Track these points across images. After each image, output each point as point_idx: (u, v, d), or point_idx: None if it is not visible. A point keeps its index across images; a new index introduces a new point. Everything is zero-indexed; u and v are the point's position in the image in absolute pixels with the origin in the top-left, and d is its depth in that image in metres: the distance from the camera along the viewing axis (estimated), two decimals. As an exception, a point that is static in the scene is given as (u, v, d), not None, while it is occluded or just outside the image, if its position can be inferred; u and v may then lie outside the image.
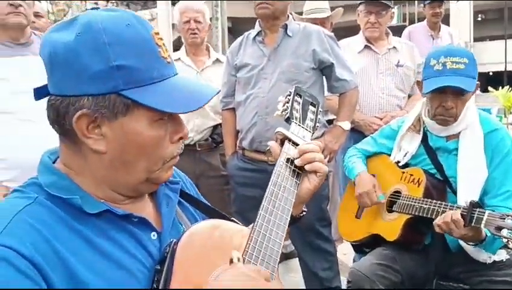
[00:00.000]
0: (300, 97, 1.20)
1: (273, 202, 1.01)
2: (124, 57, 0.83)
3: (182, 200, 1.07)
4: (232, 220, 1.03)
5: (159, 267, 0.89)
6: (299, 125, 1.15)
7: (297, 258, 2.79)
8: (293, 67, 2.50)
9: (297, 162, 1.06)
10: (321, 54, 2.51)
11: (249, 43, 2.64)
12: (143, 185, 0.93)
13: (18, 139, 2.01)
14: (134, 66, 0.84)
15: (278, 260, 0.93)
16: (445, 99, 1.93)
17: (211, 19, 3.66)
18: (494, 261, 1.94)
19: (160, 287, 0.86)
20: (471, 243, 1.86)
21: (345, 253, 3.51)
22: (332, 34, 2.66)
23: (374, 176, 2.22)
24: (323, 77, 2.61)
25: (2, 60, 2.07)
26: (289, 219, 1.00)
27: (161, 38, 0.90)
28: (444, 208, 1.87)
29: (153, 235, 0.93)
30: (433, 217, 1.87)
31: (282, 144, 1.12)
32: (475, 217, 1.73)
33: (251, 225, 1.02)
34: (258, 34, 2.61)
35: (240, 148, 2.66)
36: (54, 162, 0.95)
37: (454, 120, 1.98)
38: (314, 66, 2.52)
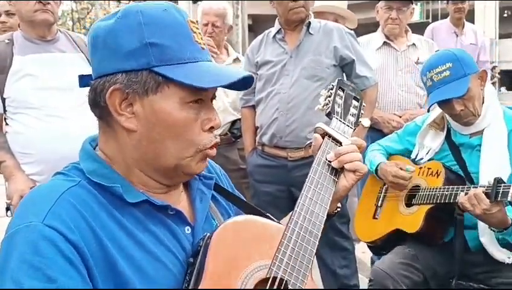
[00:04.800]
0: (343, 91, 1.17)
1: (309, 199, 0.99)
2: (157, 35, 0.86)
3: (215, 194, 1.07)
4: (267, 216, 1.03)
5: (192, 260, 0.90)
6: (340, 120, 1.12)
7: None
8: (315, 64, 2.51)
9: (334, 164, 1.05)
10: (342, 50, 2.52)
11: (269, 41, 2.67)
12: (173, 172, 0.93)
13: (44, 135, 2.07)
14: (167, 44, 0.86)
15: (312, 259, 0.92)
16: (450, 107, 1.93)
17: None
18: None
19: (193, 279, 0.87)
20: (494, 229, 1.82)
21: (363, 251, 3.49)
22: (352, 31, 2.65)
23: None
24: (344, 74, 2.61)
25: (30, 57, 2.14)
26: (325, 217, 0.98)
27: (197, 27, 0.92)
28: (467, 190, 1.83)
29: (187, 230, 0.95)
30: (456, 200, 1.84)
31: (323, 138, 1.10)
32: (501, 192, 1.70)
33: (285, 219, 1.02)
34: (278, 32, 2.63)
35: (260, 144, 2.67)
36: (94, 149, 0.97)
37: (473, 116, 1.96)
38: (335, 62, 2.53)
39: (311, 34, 2.56)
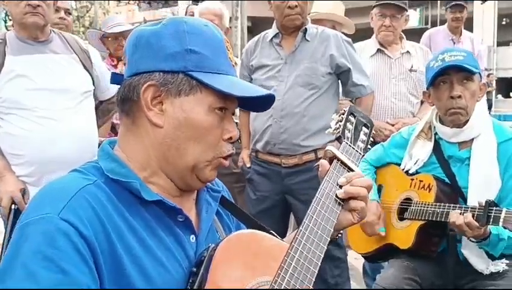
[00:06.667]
0: (354, 117, 1.19)
1: (314, 220, 1.00)
2: (198, 44, 0.94)
3: (219, 209, 1.10)
4: (270, 233, 1.04)
5: (194, 270, 0.92)
6: (349, 145, 1.14)
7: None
8: (310, 71, 2.51)
9: (339, 193, 1.05)
10: (338, 58, 2.52)
11: (265, 44, 2.65)
12: (189, 174, 0.97)
13: (35, 136, 2.06)
14: (205, 54, 0.94)
15: (314, 279, 0.93)
16: (451, 88, 1.93)
17: (230, 18, 3.67)
18: (492, 272, 1.92)
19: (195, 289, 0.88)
20: (473, 240, 1.84)
21: (356, 257, 3.49)
22: (349, 39, 2.64)
23: (381, 186, 2.20)
24: (339, 82, 2.60)
25: (22, 58, 2.13)
26: (329, 239, 0.99)
27: (230, 46, 1.01)
28: (458, 209, 1.84)
29: (192, 238, 0.97)
30: (447, 220, 1.85)
31: (330, 162, 1.11)
32: (492, 216, 1.70)
33: (289, 237, 1.03)
34: (276, 36, 2.62)
35: (254, 151, 2.67)
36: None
37: (466, 113, 1.95)
38: (331, 70, 2.53)
39: (307, 40, 2.55)
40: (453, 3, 4.46)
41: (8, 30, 3.07)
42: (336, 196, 1.05)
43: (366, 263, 3.11)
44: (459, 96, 1.92)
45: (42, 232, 0.80)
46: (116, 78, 0.99)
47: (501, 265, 1.93)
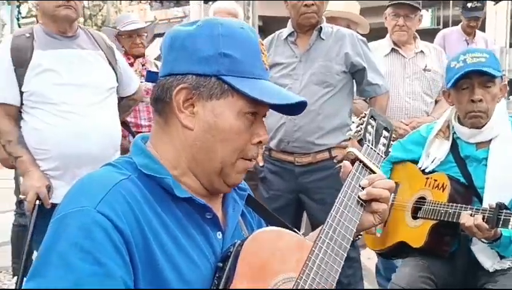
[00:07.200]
0: (375, 120, 1.21)
1: (337, 220, 1.02)
2: (232, 48, 0.94)
3: (243, 208, 1.12)
4: (294, 231, 1.06)
5: (221, 265, 0.94)
6: (371, 148, 1.16)
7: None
8: (324, 69, 2.51)
9: (361, 195, 1.06)
10: (353, 57, 2.51)
11: (280, 42, 2.65)
12: (216, 178, 0.98)
13: (60, 130, 2.08)
14: (239, 58, 0.95)
15: (337, 277, 0.95)
16: (472, 92, 1.92)
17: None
18: (496, 270, 1.93)
19: (221, 284, 0.90)
20: (484, 241, 1.84)
21: (369, 257, 3.48)
22: (364, 38, 2.64)
23: (397, 184, 2.19)
24: (354, 81, 2.59)
25: (50, 52, 2.14)
26: (351, 239, 1.01)
27: (265, 48, 1.02)
28: (470, 210, 1.84)
29: (219, 235, 0.99)
30: (459, 221, 1.85)
31: (352, 164, 1.13)
32: (502, 219, 1.70)
33: (311, 236, 1.06)
34: (290, 34, 2.62)
35: (267, 149, 2.67)
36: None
37: (486, 116, 1.95)
38: (346, 69, 2.52)
39: (322, 39, 2.55)
40: (470, 15, 4.42)
41: (20, 27, 3.08)
42: (358, 197, 1.06)
43: (379, 263, 3.11)
44: (480, 100, 1.92)
45: (79, 225, 0.82)
46: (151, 76, 1.01)
47: (506, 263, 1.94)
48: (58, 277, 0.79)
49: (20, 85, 2.08)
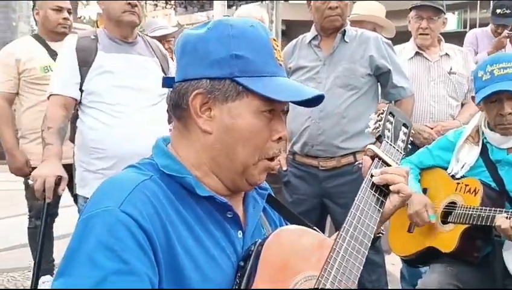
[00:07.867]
0: (393, 117, 1.20)
1: (357, 217, 1.02)
2: (243, 49, 0.94)
3: (266, 206, 1.13)
4: (315, 229, 1.06)
5: (242, 264, 0.94)
6: (390, 144, 1.15)
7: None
8: (349, 72, 2.49)
9: (375, 180, 1.08)
10: (378, 60, 2.49)
11: (304, 46, 2.65)
12: (239, 178, 0.99)
13: (114, 131, 2.15)
14: (251, 58, 0.95)
15: (358, 275, 0.95)
16: (501, 106, 1.90)
17: (266, 22, 3.69)
18: None
19: (243, 283, 0.91)
20: None
21: (393, 263, 3.43)
22: (389, 41, 2.62)
23: (426, 189, 2.16)
24: (378, 84, 2.57)
25: (112, 55, 2.24)
26: (372, 235, 1.01)
27: (277, 45, 1.01)
28: (504, 214, 1.81)
29: (239, 234, 1.00)
30: (493, 224, 1.82)
31: (372, 160, 1.13)
32: None
33: (334, 236, 1.05)
34: (314, 38, 2.61)
35: (291, 153, 2.66)
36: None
37: None
38: (370, 72, 2.51)
39: (346, 41, 2.54)
40: (499, 22, 4.32)
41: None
42: (379, 191, 1.07)
43: (404, 269, 3.06)
44: (510, 113, 1.89)
45: (104, 224, 0.84)
46: (168, 82, 1.02)
47: None
48: (84, 275, 0.81)
49: (81, 84, 2.19)
